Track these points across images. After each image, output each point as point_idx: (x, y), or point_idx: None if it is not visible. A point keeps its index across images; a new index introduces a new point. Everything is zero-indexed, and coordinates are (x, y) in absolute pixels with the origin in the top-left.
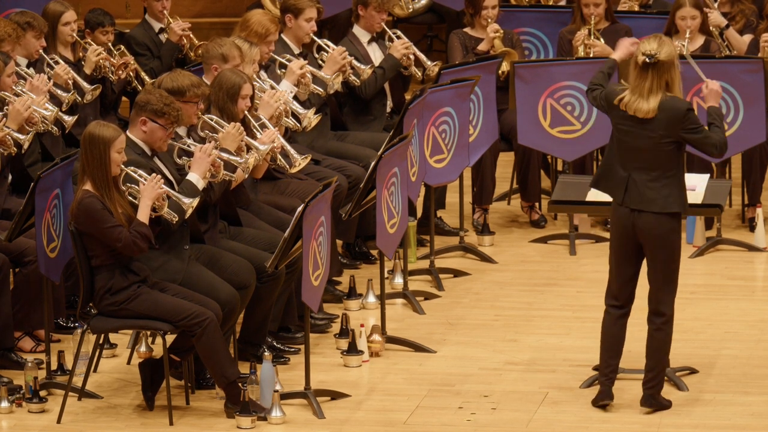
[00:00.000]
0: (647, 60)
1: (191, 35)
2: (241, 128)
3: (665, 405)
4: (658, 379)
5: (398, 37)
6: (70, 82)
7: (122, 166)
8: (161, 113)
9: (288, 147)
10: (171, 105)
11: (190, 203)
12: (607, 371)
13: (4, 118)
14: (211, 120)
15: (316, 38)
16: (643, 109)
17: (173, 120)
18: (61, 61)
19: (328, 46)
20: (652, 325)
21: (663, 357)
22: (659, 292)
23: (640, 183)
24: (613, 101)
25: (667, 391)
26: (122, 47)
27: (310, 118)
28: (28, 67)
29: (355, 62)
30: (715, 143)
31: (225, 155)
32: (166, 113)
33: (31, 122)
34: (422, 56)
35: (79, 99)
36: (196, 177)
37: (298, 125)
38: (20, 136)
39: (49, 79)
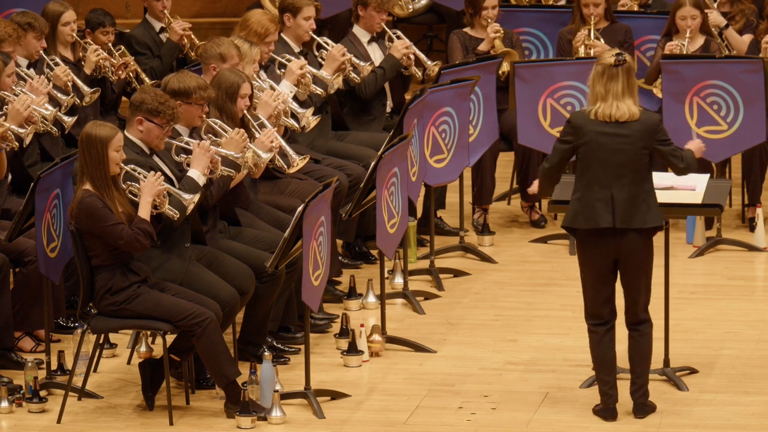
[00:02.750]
0: (618, 60)
1: (192, 35)
2: (245, 135)
3: (654, 408)
4: (647, 385)
5: (398, 38)
6: (70, 84)
7: (122, 165)
8: (156, 112)
9: (286, 147)
10: (166, 104)
11: (191, 199)
12: (605, 388)
13: (4, 117)
14: (215, 124)
15: (315, 36)
16: (623, 112)
17: (169, 118)
18: (60, 62)
19: (328, 44)
20: (636, 333)
21: (649, 361)
22: (640, 302)
23: (623, 200)
24: (582, 117)
25: (667, 391)
26: (122, 47)
27: (309, 118)
28: (28, 67)
29: (354, 59)
30: (682, 157)
31: (223, 152)
32: (161, 112)
33: (31, 121)
34: (422, 56)
35: (78, 102)
36: (197, 173)
37: (297, 126)
38: (21, 131)
39: (49, 80)
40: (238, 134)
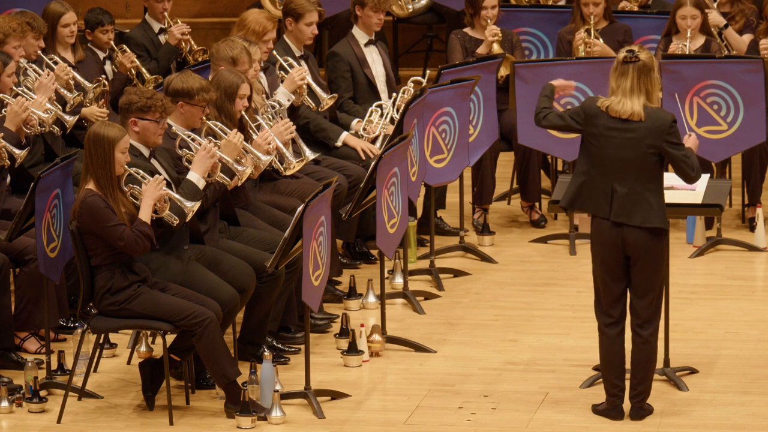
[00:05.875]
0: (628, 56)
1: (190, 39)
2: (242, 137)
3: (651, 411)
4: (648, 391)
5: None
6: (72, 82)
7: (125, 167)
8: (147, 108)
9: (283, 149)
10: (153, 97)
11: (192, 206)
12: (614, 391)
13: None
14: (216, 126)
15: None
16: (626, 109)
17: (161, 110)
18: (60, 60)
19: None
20: (639, 338)
21: (652, 368)
22: (646, 305)
23: (623, 195)
24: (595, 108)
25: (667, 391)
26: (124, 45)
27: (309, 158)
28: None
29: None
30: (693, 166)
31: (225, 157)
32: (151, 106)
33: (29, 124)
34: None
35: (83, 98)
36: (196, 177)
37: (293, 162)
38: (16, 151)
39: None
40: (235, 137)
